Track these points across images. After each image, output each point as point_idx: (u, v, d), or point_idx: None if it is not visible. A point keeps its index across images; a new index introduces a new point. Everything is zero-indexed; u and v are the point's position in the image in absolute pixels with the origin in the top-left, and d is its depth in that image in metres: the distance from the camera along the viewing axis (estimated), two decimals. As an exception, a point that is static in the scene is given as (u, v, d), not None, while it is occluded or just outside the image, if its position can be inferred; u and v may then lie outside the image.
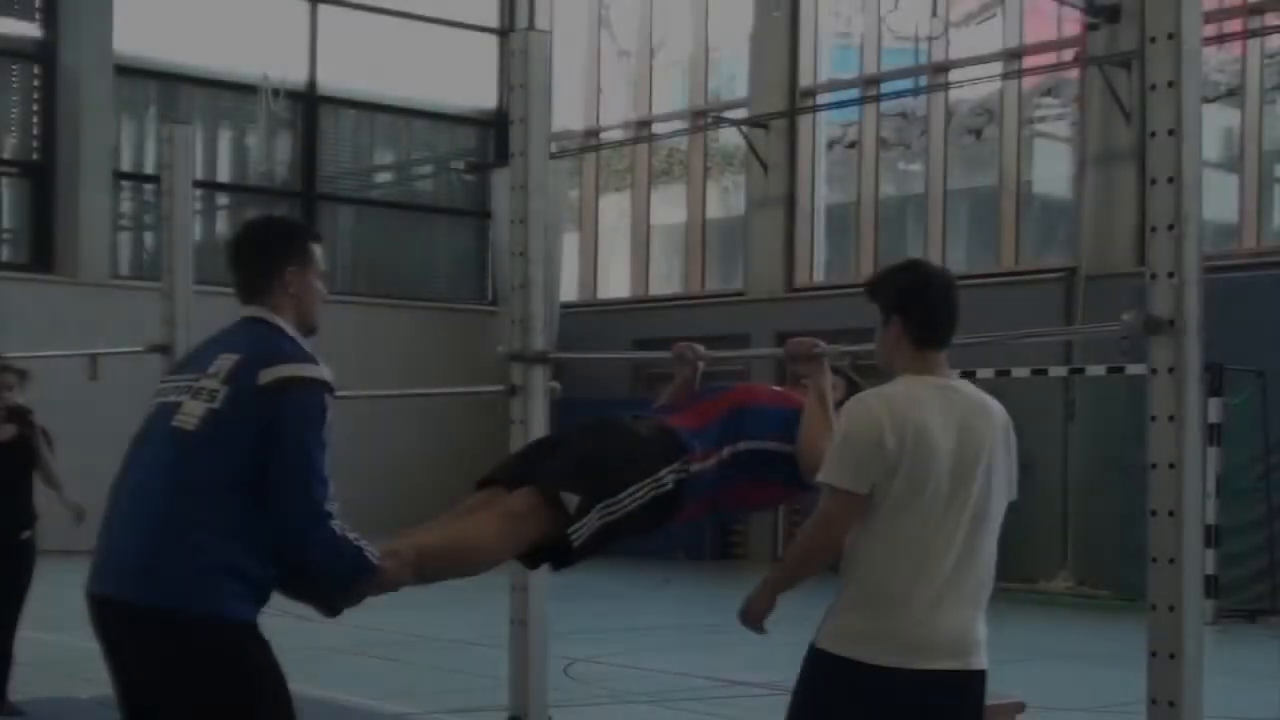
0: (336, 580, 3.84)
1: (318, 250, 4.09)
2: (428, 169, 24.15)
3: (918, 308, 3.91)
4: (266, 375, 3.74)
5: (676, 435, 4.48)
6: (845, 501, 3.82)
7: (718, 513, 4.75)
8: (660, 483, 4.36)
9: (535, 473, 4.32)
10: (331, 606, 3.98)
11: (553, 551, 4.36)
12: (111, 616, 3.78)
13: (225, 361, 3.82)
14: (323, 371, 3.81)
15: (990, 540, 3.92)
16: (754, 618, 3.99)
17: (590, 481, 4.25)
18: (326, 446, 3.75)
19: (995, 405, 3.97)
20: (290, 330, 3.95)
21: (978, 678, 3.90)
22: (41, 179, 20.07)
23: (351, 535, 3.78)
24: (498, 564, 4.40)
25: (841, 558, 3.89)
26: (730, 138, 21.54)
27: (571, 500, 4.19)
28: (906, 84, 19.76)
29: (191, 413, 3.77)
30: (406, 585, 4.06)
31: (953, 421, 3.84)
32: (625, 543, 4.43)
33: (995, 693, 6.19)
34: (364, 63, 22.26)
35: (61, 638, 11.25)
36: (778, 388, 5.11)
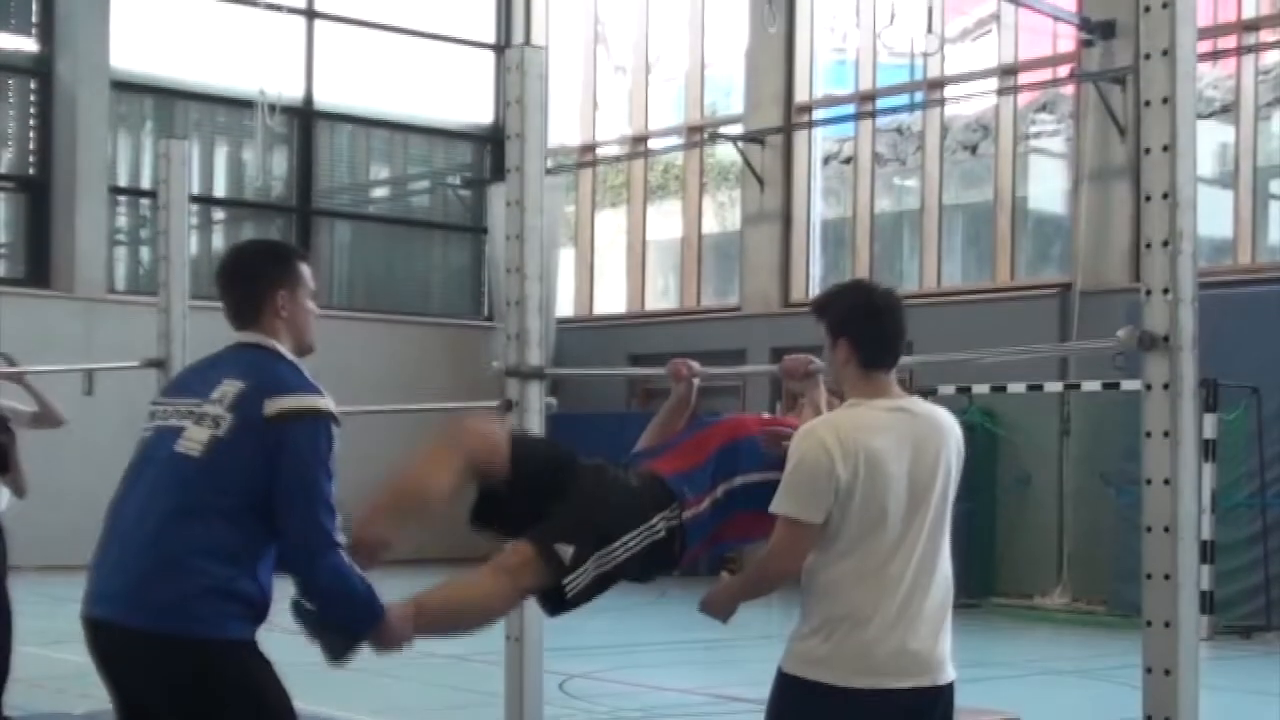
0: (346, 609, 3.88)
1: (307, 270, 4.13)
2: (424, 184, 24.16)
3: (865, 330, 3.94)
4: (272, 406, 3.79)
5: (666, 483, 4.48)
6: (799, 531, 3.85)
7: (721, 547, 4.73)
8: (653, 530, 4.36)
9: (529, 526, 4.34)
10: (338, 647, 3.98)
11: (546, 597, 4.37)
12: (106, 640, 3.80)
13: (229, 388, 3.86)
14: (327, 402, 3.88)
15: (946, 554, 3.95)
16: (714, 614, 4.08)
17: (584, 533, 4.26)
18: (333, 476, 3.83)
19: (947, 420, 4.01)
20: (289, 354, 4.01)
21: (945, 691, 3.92)
22: (38, 193, 20.07)
23: (359, 573, 3.83)
24: (496, 620, 4.42)
25: (801, 580, 3.93)
26: (726, 153, 21.56)
27: (566, 552, 4.21)
28: (902, 100, 19.79)
29: (195, 439, 3.81)
30: (408, 641, 4.06)
31: (906, 444, 3.87)
32: (625, 584, 4.47)
33: (990, 709, 6.21)
34: (360, 78, 22.29)
35: (54, 653, 11.24)
36: (767, 414, 5.10)
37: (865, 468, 3.80)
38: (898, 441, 3.86)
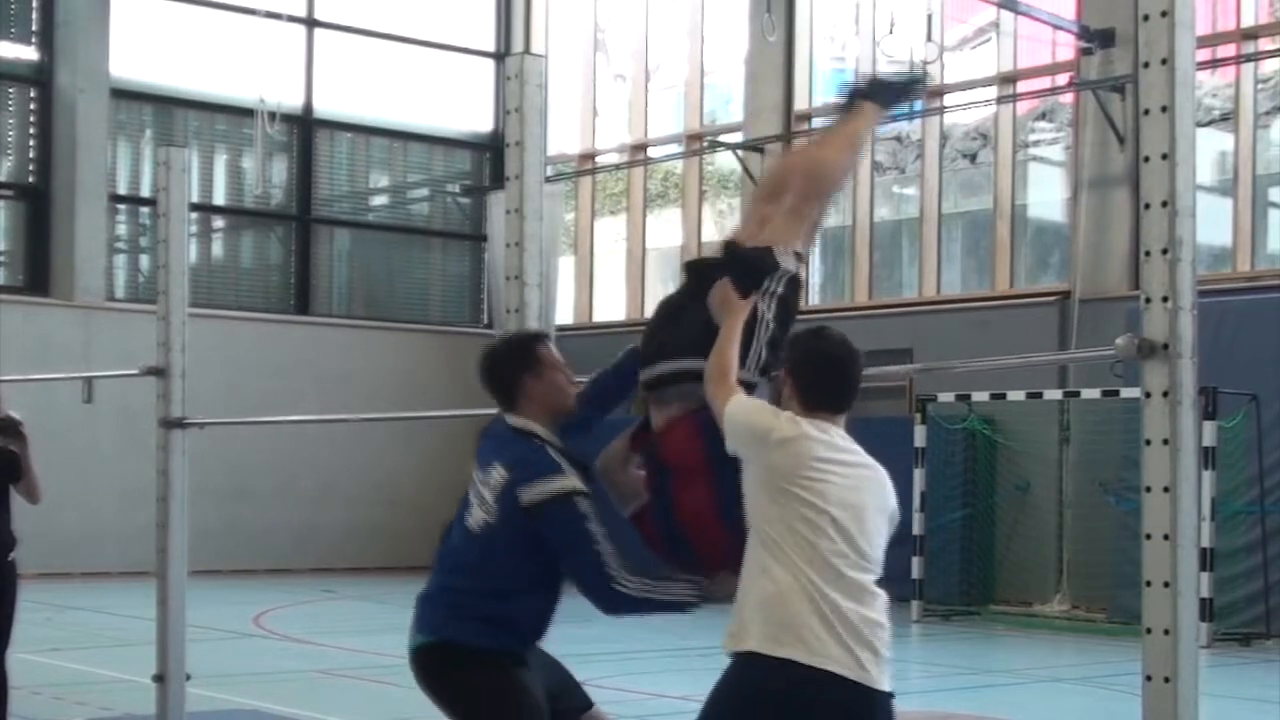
0: (659, 609, 4.48)
1: (547, 350, 4.72)
2: (423, 192, 24.18)
3: (806, 377, 4.09)
4: (526, 496, 4.44)
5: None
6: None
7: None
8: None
9: None
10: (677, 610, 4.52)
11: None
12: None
13: (497, 475, 4.54)
14: (569, 480, 4.46)
15: (872, 589, 3.99)
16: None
17: None
18: (589, 527, 4.41)
19: (879, 472, 4.10)
20: (545, 434, 4.60)
21: (883, 697, 3.94)
22: (38, 202, 20.09)
23: (647, 587, 4.39)
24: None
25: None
26: (725, 161, 21.58)
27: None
28: (901, 108, 19.77)
29: (477, 519, 4.56)
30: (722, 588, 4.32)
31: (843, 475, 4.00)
32: None
33: (987, 716, 6.23)
34: (360, 86, 22.32)
35: (53, 660, 11.23)
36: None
37: (804, 477, 3.93)
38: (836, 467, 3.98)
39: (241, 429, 17.55)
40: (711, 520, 4.32)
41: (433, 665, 4.62)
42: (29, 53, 20.34)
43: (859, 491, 3.98)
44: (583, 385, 4.85)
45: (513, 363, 4.71)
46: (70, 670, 11.00)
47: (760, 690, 3.89)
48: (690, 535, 4.38)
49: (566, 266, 22.92)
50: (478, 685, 4.56)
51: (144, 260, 21.02)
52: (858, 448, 4.08)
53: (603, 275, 22.97)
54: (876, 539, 4.00)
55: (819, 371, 4.08)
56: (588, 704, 4.94)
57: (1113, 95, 16.65)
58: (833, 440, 4.01)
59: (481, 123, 23.47)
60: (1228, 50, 16.56)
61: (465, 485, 4.70)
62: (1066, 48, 17.75)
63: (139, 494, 12.78)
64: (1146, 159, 3.86)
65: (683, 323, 4.48)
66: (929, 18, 17.91)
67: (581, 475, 4.54)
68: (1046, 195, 18.78)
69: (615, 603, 4.41)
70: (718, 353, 4.24)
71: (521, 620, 4.57)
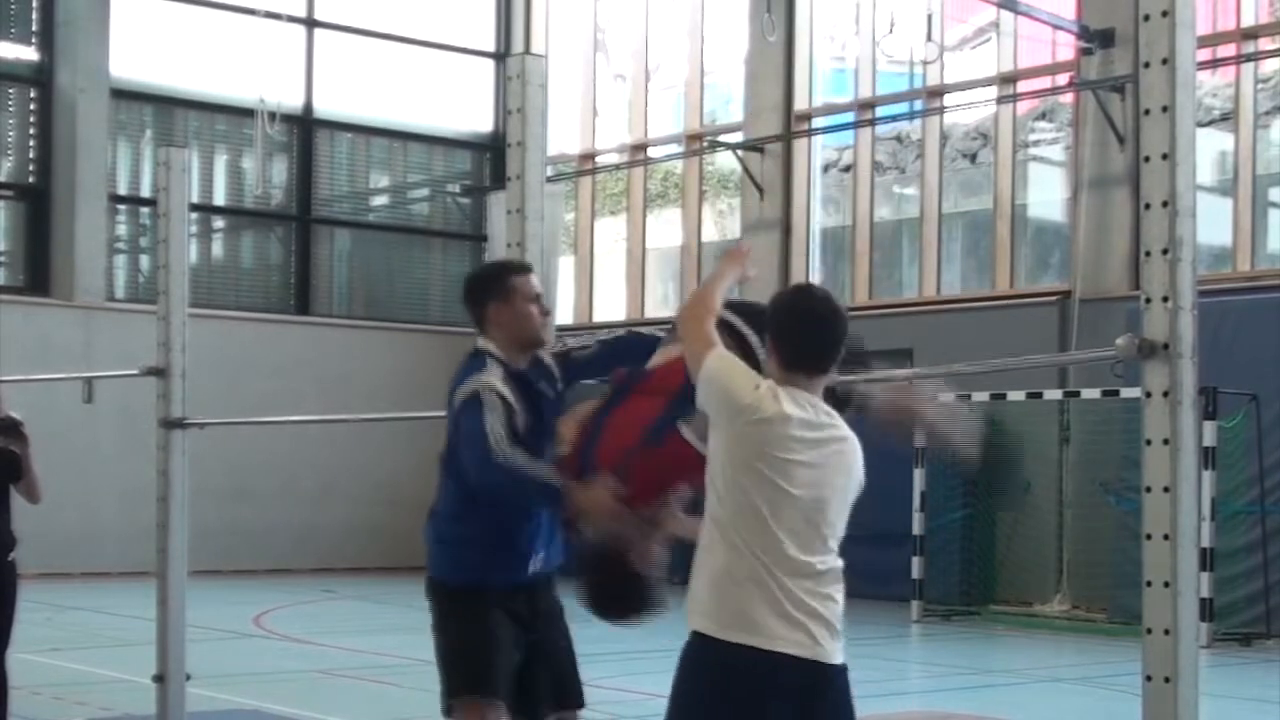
0: (526, 499, 4.69)
1: (521, 280, 4.96)
2: (424, 192, 24.18)
3: (785, 334, 4.02)
4: (455, 401, 4.76)
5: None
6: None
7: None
8: None
9: None
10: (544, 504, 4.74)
11: None
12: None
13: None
14: (478, 380, 4.71)
15: (828, 566, 3.98)
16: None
17: None
18: (485, 413, 4.61)
19: (850, 444, 4.06)
20: (498, 352, 4.83)
21: (836, 670, 3.97)
22: (38, 202, 20.09)
23: (516, 460, 4.55)
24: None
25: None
26: (726, 161, 21.58)
27: None
28: (901, 108, 19.81)
29: (445, 444, 4.86)
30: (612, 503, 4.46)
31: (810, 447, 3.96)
32: None
33: (987, 716, 6.23)
34: (360, 86, 22.32)
35: (53, 660, 11.23)
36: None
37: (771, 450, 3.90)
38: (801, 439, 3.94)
39: (241, 429, 17.54)
40: (634, 433, 4.51)
41: (428, 599, 4.99)
42: (29, 53, 20.34)
43: (828, 471, 3.95)
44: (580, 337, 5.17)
45: (485, 289, 4.96)
46: (70, 670, 11.00)
47: (717, 674, 3.97)
48: (604, 441, 4.59)
49: (566, 266, 22.92)
50: (443, 623, 4.92)
51: (144, 260, 21.01)
52: (833, 418, 4.02)
53: (603, 275, 22.96)
54: (839, 519, 3.99)
55: (800, 328, 4.01)
56: (576, 704, 5.00)
57: (1113, 95, 16.65)
58: (808, 417, 3.94)
59: (482, 123, 23.47)
60: (1228, 50, 16.56)
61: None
62: (1066, 48, 17.75)
63: (139, 494, 12.78)
64: (1147, 159, 3.87)
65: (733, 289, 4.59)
66: (929, 18, 17.92)
67: (522, 394, 4.74)
68: (1046, 195, 18.78)
69: (486, 470, 4.58)
70: (702, 289, 4.22)
71: (480, 538, 4.80)
